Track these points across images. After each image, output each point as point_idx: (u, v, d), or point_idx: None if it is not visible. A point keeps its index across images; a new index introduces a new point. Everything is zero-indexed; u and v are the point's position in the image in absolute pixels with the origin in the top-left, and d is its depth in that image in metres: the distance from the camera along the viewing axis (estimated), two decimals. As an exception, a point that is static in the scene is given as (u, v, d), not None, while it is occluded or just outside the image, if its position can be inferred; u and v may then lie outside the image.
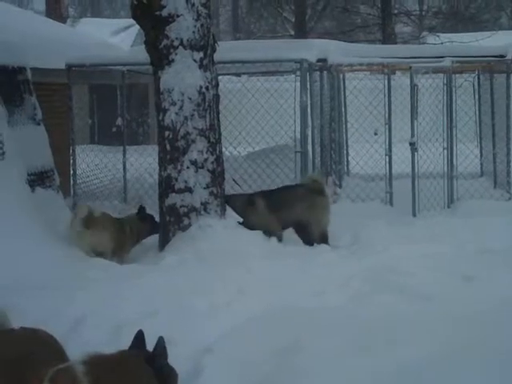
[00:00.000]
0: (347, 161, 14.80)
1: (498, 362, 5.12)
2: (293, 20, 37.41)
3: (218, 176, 9.82)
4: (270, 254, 9.12)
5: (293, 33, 36.63)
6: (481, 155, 14.38)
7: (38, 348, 3.95)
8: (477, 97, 14.60)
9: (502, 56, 12.97)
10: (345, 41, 19.95)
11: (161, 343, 3.78)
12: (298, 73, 11.91)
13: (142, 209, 10.12)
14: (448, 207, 12.06)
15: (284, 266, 8.40)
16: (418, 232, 10.35)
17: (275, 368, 5.34)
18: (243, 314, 6.50)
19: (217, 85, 10.02)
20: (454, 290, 7.28)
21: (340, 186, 13.13)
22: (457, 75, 13.49)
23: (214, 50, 9.98)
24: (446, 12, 41.46)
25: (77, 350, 4.04)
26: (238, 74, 16.33)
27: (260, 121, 13.06)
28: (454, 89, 12.56)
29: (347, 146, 14.83)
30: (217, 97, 9.99)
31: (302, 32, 34.02)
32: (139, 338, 3.87)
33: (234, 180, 10.49)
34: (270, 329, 6.14)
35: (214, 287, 7.34)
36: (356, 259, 8.71)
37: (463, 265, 8.23)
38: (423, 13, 39.97)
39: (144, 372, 3.66)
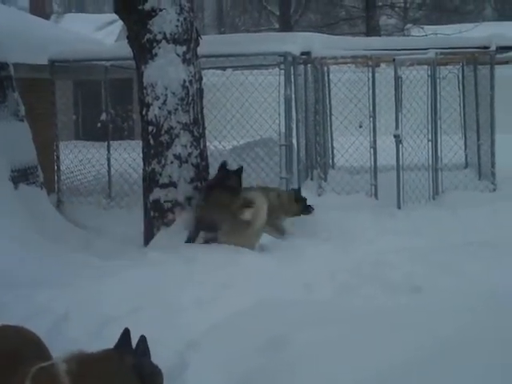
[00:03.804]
0: (332, 154, 14.82)
1: (489, 354, 5.13)
2: (277, 13, 37.39)
3: (202, 170, 9.80)
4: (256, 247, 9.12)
5: (277, 26, 36.62)
6: (465, 147, 14.41)
7: (20, 345, 3.92)
8: (461, 88, 14.61)
9: (485, 47, 12.97)
10: (329, 34, 19.94)
11: (142, 342, 3.75)
12: (282, 66, 11.88)
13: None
14: (433, 199, 12.07)
15: (270, 259, 8.40)
16: (403, 224, 10.39)
17: (262, 362, 5.32)
18: (229, 307, 6.49)
19: (200, 79, 10.00)
20: (440, 282, 7.29)
21: (325, 179, 13.11)
22: (441, 67, 13.49)
23: (197, 44, 9.96)
24: (430, 4, 41.56)
25: (61, 347, 4.01)
26: (222, 68, 16.28)
27: (244, 114, 13.06)
28: (438, 80, 12.56)
29: (332, 139, 14.83)
30: (200, 91, 9.97)
31: (286, 25, 34.04)
32: (125, 336, 3.84)
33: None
34: (256, 322, 6.12)
35: (199, 281, 7.33)
36: (342, 252, 8.72)
37: (449, 257, 8.25)
38: (407, 5, 40.02)
39: (126, 371, 3.63)
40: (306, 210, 10.28)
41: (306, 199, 10.36)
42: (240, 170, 9.68)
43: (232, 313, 6.34)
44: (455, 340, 5.41)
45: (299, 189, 10.66)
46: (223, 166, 9.71)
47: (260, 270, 7.89)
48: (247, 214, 8.85)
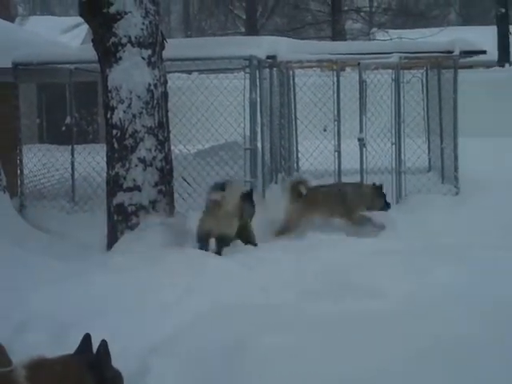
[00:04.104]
0: (297, 157, 14.83)
1: (461, 358, 5.18)
2: (244, 17, 37.45)
3: (166, 174, 9.79)
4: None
5: (244, 30, 36.69)
6: (429, 150, 14.51)
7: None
8: (425, 92, 14.71)
9: (449, 52, 13.07)
10: (296, 38, 19.98)
11: (103, 346, 3.75)
12: (248, 70, 11.91)
13: None
14: (396, 202, 12.12)
15: (233, 263, 8.40)
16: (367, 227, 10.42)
17: (224, 366, 5.33)
18: (191, 311, 6.49)
19: (165, 82, 10.00)
20: (405, 286, 7.30)
21: (290, 183, 13.13)
22: (405, 71, 13.58)
23: (162, 48, 9.96)
24: (395, 8, 41.88)
25: (22, 352, 4.00)
26: (188, 72, 16.27)
27: (209, 118, 13.05)
28: (402, 85, 12.64)
29: (297, 143, 14.86)
30: (165, 94, 9.97)
31: (252, 29, 34.14)
32: (86, 341, 3.83)
33: (183, 178, 10.46)
34: (217, 326, 6.13)
35: (162, 286, 7.31)
36: (305, 255, 8.72)
37: (412, 260, 8.28)
38: (373, 9, 40.28)
39: (86, 376, 3.63)
40: (385, 206, 10.90)
41: (385, 195, 10.99)
42: (251, 192, 9.90)
43: (195, 317, 6.35)
44: (422, 345, 5.46)
45: (381, 186, 11.06)
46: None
47: (224, 274, 7.89)
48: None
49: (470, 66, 15.32)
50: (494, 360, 5.12)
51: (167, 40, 10.26)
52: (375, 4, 43.01)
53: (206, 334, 5.91)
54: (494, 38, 31.87)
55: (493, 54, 28.72)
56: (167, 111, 10.02)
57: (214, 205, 9.17)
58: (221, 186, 9.34)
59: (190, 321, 6.22)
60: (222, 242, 9.26)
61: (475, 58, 14.76)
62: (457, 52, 12.90)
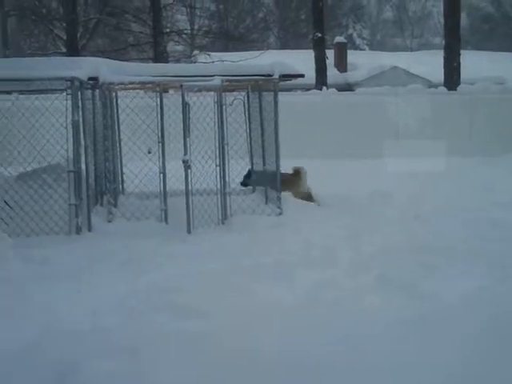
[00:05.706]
0: (122, 179, 14.73)
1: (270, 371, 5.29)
2: (64, 37, 36.88)
3: (-13, 198, 9.54)
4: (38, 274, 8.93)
5: (65, 50, 36.13)
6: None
7: None
8: (247, 115, 14.93)
9: (269, 75, 13.38)
10: (118, 59, 19.86)
11: None
12: (70, 91, 11.77)
13: None
14: (222, 223, 12.26)
15: (56, 287, 8.26)
16: (193, 248, 10.48)
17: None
18: (17, 339, 6.34)
19: (-16, 104, 9.76)
20: (230, 304, 7.42)
21: (115, 205, 13.02)
22: (228, 93, 13.76)
23: (-21, 68, 9.71)
24: (216, 31, 42.49)
25: None
26: (8, 92, 15.85)
27: (31, 140, 12.74)
28: (224, 107, 12.82)
29: (121, 165, 14.75)
30: (-16, 116, 9.73)
31: (73, 49, 33.66)
32: None
33: (5, 201, 10.18)
34: (47, 353, 6.01)
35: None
36: (131, 278, 8.70)
37: (239, 279, 8.42)
38: (194, 32, 40.66)
39: None
40: None
41: None
42: None
43: (22, 344, 6.20)
44: (242, 362, 5.57)
45: None
46: None
47: (46, 298, 7.78)
48: None
49: (290, 89, 15.67)
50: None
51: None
52: (196, 27, 43.50)
53: (36, 361, 5.79)
54: (312, 62, 32.82)
55: (311, 77, 29.59)
56: (-14, 133, 9.79)
57: None
58: None
59: (18, 348, 6.08)
60: None
61: (294, 81, 15.14)
62: (276, 75, 13.23)
